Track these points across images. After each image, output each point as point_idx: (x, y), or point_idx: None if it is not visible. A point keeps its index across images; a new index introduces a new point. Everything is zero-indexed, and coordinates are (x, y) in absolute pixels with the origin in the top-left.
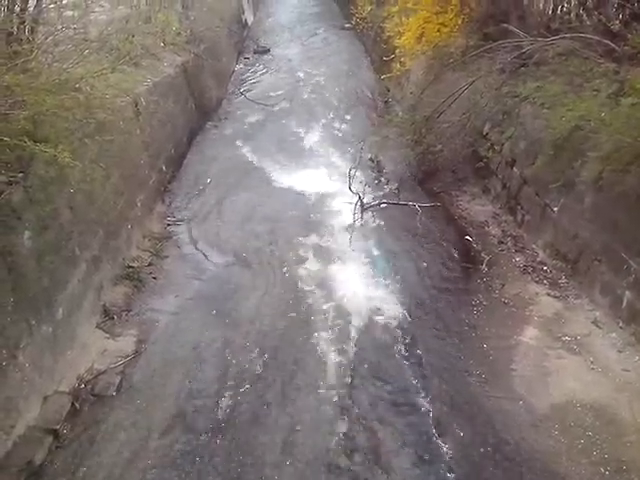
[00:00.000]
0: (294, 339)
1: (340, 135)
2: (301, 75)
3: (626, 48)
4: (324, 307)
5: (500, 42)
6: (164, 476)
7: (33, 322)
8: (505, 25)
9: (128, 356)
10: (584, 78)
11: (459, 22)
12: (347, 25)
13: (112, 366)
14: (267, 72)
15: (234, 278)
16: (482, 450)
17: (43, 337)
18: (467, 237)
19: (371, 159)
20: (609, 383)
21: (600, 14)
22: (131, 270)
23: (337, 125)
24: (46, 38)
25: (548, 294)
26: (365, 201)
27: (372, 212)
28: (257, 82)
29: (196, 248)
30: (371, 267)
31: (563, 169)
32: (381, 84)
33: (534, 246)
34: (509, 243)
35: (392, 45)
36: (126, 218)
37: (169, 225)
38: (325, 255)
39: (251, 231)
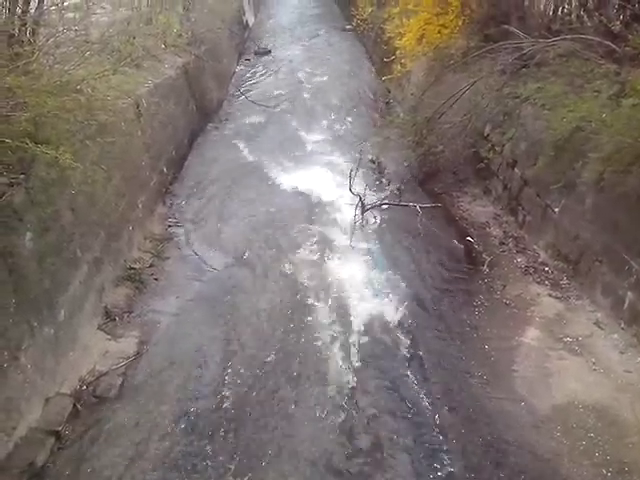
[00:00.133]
0: (295, 341)
1: (341, 136)
2: (302, 76)
3: (627, 49)
4: (325, 308)
5: (501, 43)
6: (165, 477)
7: (35, 324)
8: (506, 26)
9: (129, 357)
10: (585, 79)
11: (460, 23)
12: (348, 26)
13: (114, 367)
14: (268, 73)
15: (235, 279)
16: (484, 451)
17: (45, 339)
18: (468, 238)
19: (372, 160)
20: (611, 384)
21: (601, 15)
22: (132, 271)
23: (338, 126)
24: (47, 40)
25: (549, 295)
26: (366, 202)
27: (373, 213)
28: (258, 83)
29: (197, 249)
30: (372, 268)
31: (564, 170)
32: (382, 85)
33: (535, 247)
34: (510, 244)
35: (393, 46)
36: (127, 220)
37: (170, 226)
38: (326, 256)
39: (252, 232)
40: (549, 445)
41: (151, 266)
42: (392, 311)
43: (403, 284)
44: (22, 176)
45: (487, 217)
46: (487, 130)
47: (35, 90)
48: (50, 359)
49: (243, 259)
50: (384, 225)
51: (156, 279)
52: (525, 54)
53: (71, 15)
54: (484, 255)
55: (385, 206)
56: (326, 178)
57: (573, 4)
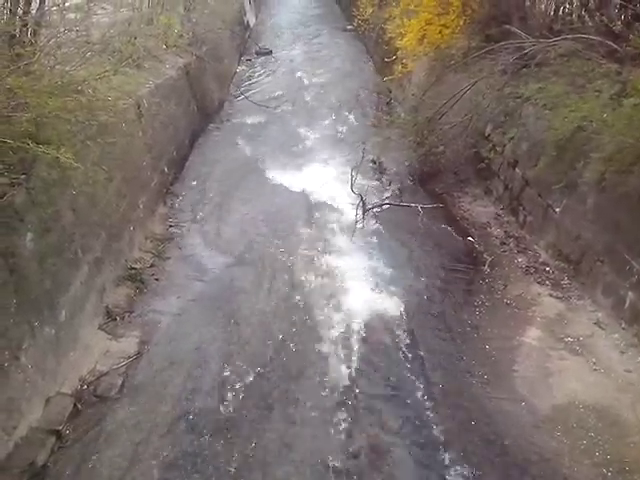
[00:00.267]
0: (296, 340)
1: (342, 136)
2: (303, 77)
3: (628, 49)
4: (326, 308)
5: (502, 43)
6: (166, 477)
7: (35, 324)
8: (507, 26)
9: (130, 357)
10: (586, 79)
11: (461, 24)
12: (349, 27)
13: (114, 367)
14: (269, 74)
15: (236, 279)
16: (484, 451)
17: (45, 339)
18: (469, 238)
19: (373, 160)
20: (611, 384)
21: (602, 15)
22: (133, 271)
23: (339, 126)
24: (49, 40)
25: (550, 295)
26: (367, 202)
27: (374, 213)
28: (259, 84)
29: (198, 249)
30: (373, 268)
31: (565, 170)
32: (383, 85)
33: (536, 247)
34: (511, 244)
35: (394, 47)
36: (128, 220)
37: (171, 226)
38: (327, 256)
39: (253, 232)
40: (550, 445)
41: (152, 266)
42: (393, 311)
43: (404, 284)
44: (23, 176)
45: (488, 217)
46: (488, 130)
47: (36, 91)
48: (51, 359)
49: (244, 259)
50: (385, 225)
51: (157, 279)
52: (526, 54)
53: (72, 16)
54: (485, 255)
55: (386, 206)
56: (327, 178)
57: (574, 4)
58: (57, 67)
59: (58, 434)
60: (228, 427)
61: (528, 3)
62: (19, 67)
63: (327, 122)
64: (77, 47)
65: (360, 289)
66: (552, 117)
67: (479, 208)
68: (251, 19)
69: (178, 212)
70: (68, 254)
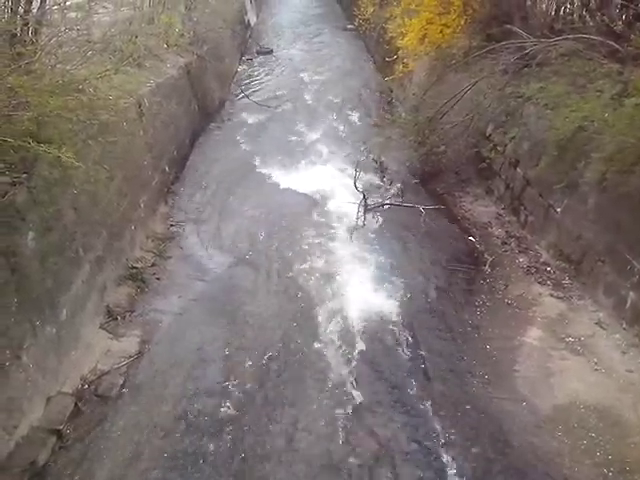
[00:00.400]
0: (297, 340)
1: (343, 136)
2: (304, 76)
3: (629, 49)
4: (327, 307)
5: (503, 43)
6: (166, 477)
7: (37, 323)
8: (508, 26)
9: (131, 357)
10: (587, 79)
11: (462, 23)
12: (350, 26)
13: (115, 367)
14: (270, 73)
15: (237, 279)
16: (485, 451)
17: (47, 338)
18: (470, 238)
19: (374, 160)
20: (613, 384)
21: (603, 15)
22: (134, 271)
23: (340, 126)
24: (50, 40)
25: (551, 295)
26: (368, 202)
27: (375, 213)
28: (260, 83)
29: (199, 249)
30: (374, 267)
31: (567, 170)
32: (384, 85)
33: (537, 247)
34: (512, 244)
35: (395, 46)
36: (129, 219)
37: (172, 226)
38: (328, 256)
39: (254, 232)
40: (551, 445)
41: (153, 265)
42: (394, 310)
43: (405, 283)
44: (24, 175)
45: (489, 217)
46: (489, 130)
47: (37, 90)
48: (52, 358)
49: (245, 258)
50: (386, 224)
51: (158, 278)
52: (527, 54)
53: (73, 15)
54: (486, 255)
55: (387, 206)
56: (328, 177)
57: (575, 4)
58: (58, 66)
59: (59, 433)
60: (229, 427)
61: (529, 3)
62: (20, 66)
63: (328, 121)
64: (78, 46)
65: (361, 288)
66: (553, 117)
67: (480, 208)
68: (252, 18)
69: (179, 211)
70: (69, 253)
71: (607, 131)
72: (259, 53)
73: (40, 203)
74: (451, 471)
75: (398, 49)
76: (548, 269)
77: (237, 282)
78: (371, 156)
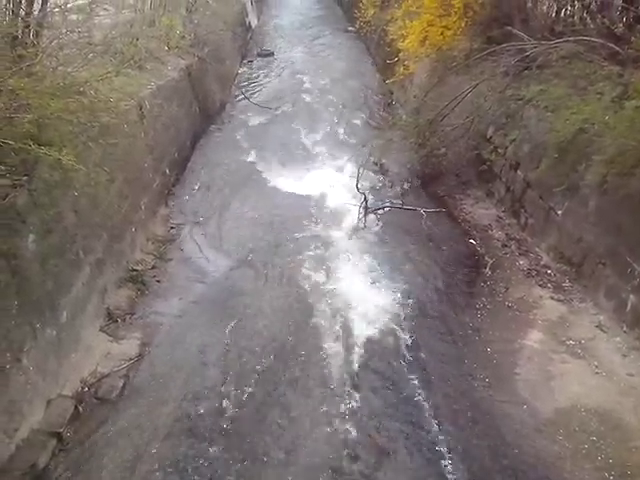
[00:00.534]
0: (298, 342)
1: (344, 138)
2: (305, 78)
3: (630, 51)
4: (327, 310)
5: (504, 45)
6: None
7: (37, 325)
8: (509, 28)
9: (132, 359)
10: (588, 81)
11: (462, 25)
12: (351, 28)
13: (116, 369)
14: (271, 75)
15: (237, 281)
16: (486, 455)
17: (47, 340)
18: (471, 240)
19: (375, 162)
20: (614, 387)
21: (604, 17)
22: (135, 273)
23: (340, 128)
24: (51, 42)
25: (552, 298)
26: (369, 204)
27: (376, 215)
28: (261, 85)
29: (200, 251)
30: (375, 270)
31: (567, 172)
32: (384, 87)
33: (538, 249)
34: (513, 246)
35: (395, 48)
36: (130, 221)
37: (172, 228)
38: (329, 258)
39: (254, 234)
40: (551, 448)
41: (153, 268)
42: (394, 313)
43: (405, 286)
44: (25, 178)
45: (490, 219)
46: (490, 132)
47: (38, 92)
48: (52, 361)
49: (245, 261)
50: (386, 227)
51: (158, 281)
52: (528, 56)
53: (74, 17)
54: (486, 257)
55: (388, 208)
56: (328, 180)
57: (576, 6)
58: (59, 68)
59: (59, 436)
60: (229, 430)
61: (530, 5)
62: (21, 68)
63: (328, 123)
64: (79, 48)
65: (361, 291)
66: (554, 119)
67: (481, 210)
68: (253, 21)
69: (179, 213)
70: (70, 255)
71: (608, 133)
72: (260, 55)
73: (41, 205)
74: (451, 475)
75: (399, 51)
76: (549, 272)
77: (238, 284)
78: (372, 158)
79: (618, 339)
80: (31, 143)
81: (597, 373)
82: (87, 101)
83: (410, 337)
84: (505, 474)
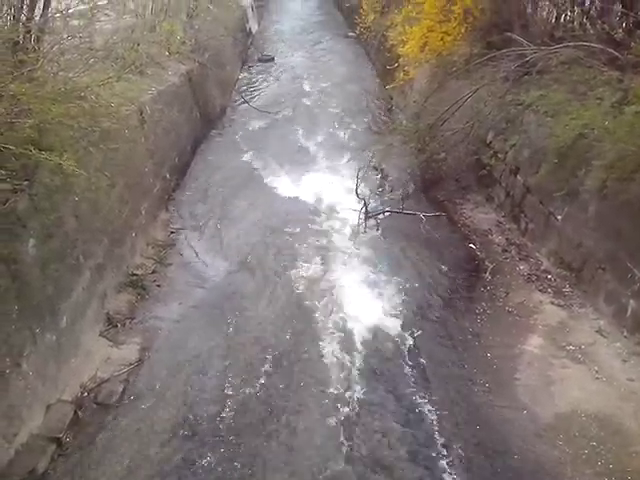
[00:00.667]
0: (297, 348)
1: (344, 143)
2: (305, 83)
3: (629, 56)
4: (327, 315)
5: (504, 51)
6: None
7: (37, 330)
8: (509, 34)
9: (131, 364)
10: (588, 86)
11: (462, 31)
12: (351, 34)
13: (115, 374)
14: (271, 80)
15: (237, 286)
16: (486, 460)
17: (47, 345)
18: (471, 245)
19: (375, 167)
20: (614, 393)
21: (603, 23)
22: (135, 278)
23: (341, 133)
24: (52, 47)
25: (552, 303)
26: (369, 209)
27: (376, 220)
28: (261, 90)
29: (199, 256)
30: (374, 274)
31: (567, 177)
32: (385, 92)
33: (538, 254)
34: (513, 251)
35: (396, 54)
36: (130, 226)
37: (173, 233)
38: (328, 263)
39: (254, 238)
40: (552, 454)
41: (153, 272)
42: (394, 318)
43: (405, 291)
44: (26, 182)
45: (490, 224)
46: (490, 137)
47: (39, 97)
48: (52, 366)
49: (245, 265)
50: (386, 232)
51: (158, 285)
52: (528, 61)
53: (75, 22)
54: (486, 262)
55: (388, 213)
56: (329, 184)
57: (576, 12)
58: (60, 73)
59: (58, 441)
60: (229, 435)
61: (529, 10)
62: (22, 73)
63: (329, 128)
64: (80, 54)
65: (361, 296)
66: (553, 124)
67: (481, 215)
68: (253, 26)
69: (180, 218)
70: (70, 260)
71: (607, 139)
72: (260, 60)
73: (41, 210)
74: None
75: (399, 57)
76: (549, 277)
77: (237, 289)
78: (372, 163)
79: (618, 344)
80: (32, 148)
81: (597, 378)
82: (88, 106)
83: (410, 341)
84: (505, 479)
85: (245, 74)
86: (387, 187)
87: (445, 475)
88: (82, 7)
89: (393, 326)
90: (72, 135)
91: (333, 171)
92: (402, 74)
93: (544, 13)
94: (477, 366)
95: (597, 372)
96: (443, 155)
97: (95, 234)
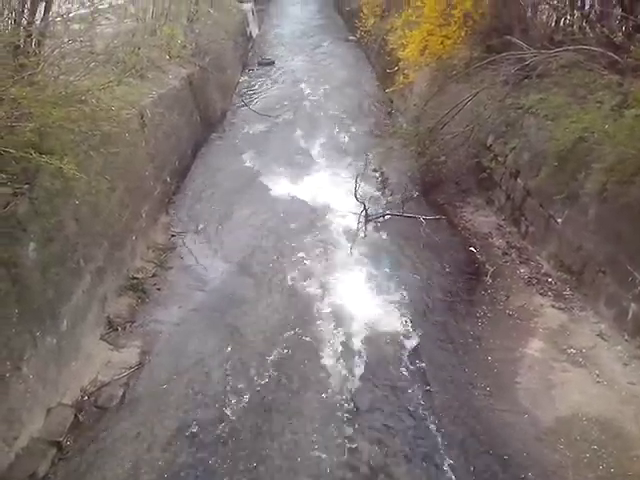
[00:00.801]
0: (298, 351)
1: (344, 146)
2: (305, 87)
3: (629, 60)
4: (328, 318)
5: (503, 54)
6: None
7: (37, 334)
8: (508, 37)
9: (132, 368)
10: (587, 90)
11: (462, 35)
12: (351, 37)
13: (116, 378)
14: (271, 84)
15: (237, 289)
16: (487, 464)
17: (47, 349)
18: (471, 248)
19: (375, 170)
20: (615, 396)
21: (603, 26)
22: (135, 281)
23: (341, 136)
24: (53, 51)
25: (553, 306)
26: (369, 212)
27: (376, 223)
28: (261, 94)
29: (200, 259)
30: (375, 278)
31: (567, 181)
32: (385, 96)
33: (538, 258)
34: (513, 254)
35: (396, 57)
36: (131, 230)
37: (173, 236)
38: (329, 266)
39: (255, 242)
40: (553, 457)
41: (154, 276)
42: (394, 322)
43: (405, 294)
44: (26, 186)
45: (490, 227)
46: (490, 140)
47: (40, 101)
48: (52, 369)
49: (246, 269)
50: (387, 235)
51: (159, 289)
52: (528, 65)
53: (76, 26)
54: (487, 265)
55: (388, 216)
56: (329, 187)
57: (575, 15)
58: (61, 77)
59: (59, 445)
60: (229, 439)
61: (529, 14)
62: (23, 77)
63: (329, 132)
64: (81, 57)
65: (361, 299)
66: (553, 128)
67: (481, 218)
68: (254, 30)
69: (180, 222)
70: (71, 264)
71: (607, 142)
72: (261, 64)
73: (41, 214)
74: None
75: (399, 60)
76: (549, 280)
77: (238, 292)
78: (372, 166)
79: (619, 348)
80: (32, 152)
81: (598, 382)
82: (89, 110)
83: (410, 345)
84: None
85: (245, 78)
86: (387, 190)
87: (445, 478)
88: (83, 11)
89: (393, 329)
90: (73, 139)
91: (333, 174)
92: (402, 77)
93: (544, 17)
94: (478, 369)
95: (598, 376)
96: (443, 158)
97: (95, 237)
